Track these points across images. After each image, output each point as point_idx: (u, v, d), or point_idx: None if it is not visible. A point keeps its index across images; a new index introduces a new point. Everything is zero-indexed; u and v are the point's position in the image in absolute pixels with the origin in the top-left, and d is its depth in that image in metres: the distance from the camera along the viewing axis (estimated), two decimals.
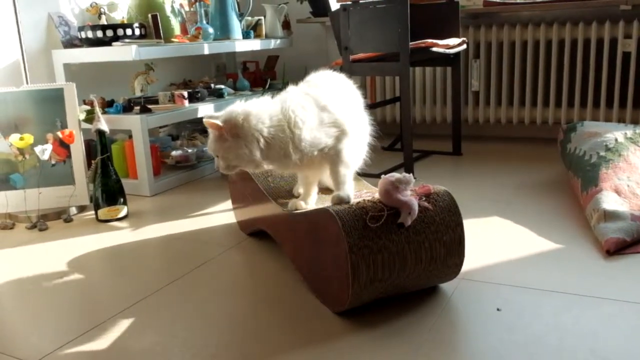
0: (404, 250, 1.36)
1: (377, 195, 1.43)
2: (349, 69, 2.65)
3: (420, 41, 2.62)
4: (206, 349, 1.30)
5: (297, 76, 3.59)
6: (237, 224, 2.11)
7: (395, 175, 1.40)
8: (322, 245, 1.43)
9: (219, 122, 1.48)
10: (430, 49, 2.59)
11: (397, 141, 3.28)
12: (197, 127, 3.31)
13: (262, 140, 1.49)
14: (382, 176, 1.42)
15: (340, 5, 2.65)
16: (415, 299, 1.48)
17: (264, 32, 3.51)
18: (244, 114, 1.50)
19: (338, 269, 1.35)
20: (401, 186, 1.38)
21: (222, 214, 2.29)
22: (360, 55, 2.70)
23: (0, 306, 1.59)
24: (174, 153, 2.93)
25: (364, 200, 1.42)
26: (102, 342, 1.35)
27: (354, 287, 1.31)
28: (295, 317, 1.42)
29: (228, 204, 2.42)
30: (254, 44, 3.32)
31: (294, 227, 1.59)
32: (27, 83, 2.53)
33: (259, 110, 1.53)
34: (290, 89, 1.64)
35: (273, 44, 3.49)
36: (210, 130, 1.52)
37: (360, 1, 2.60)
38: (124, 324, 1.43)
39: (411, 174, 1.41)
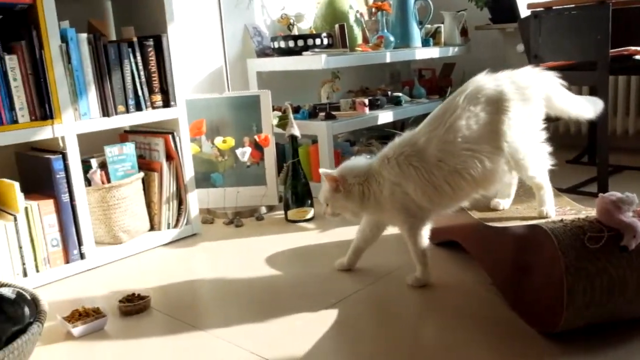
0: (625, 275, 1.27)
1: (585, 214, 1.36)
2: None
3: (622, 49, 2.44)
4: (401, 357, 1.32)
5: None
6: None
7: (616, 194, 1.32)
8: (532, 264, 1.38)
9: (336, 175, 1.67)
10: (634, 57, 2.41)
11: (584, 154, 3.08)
12: (374, 134, 3.37)
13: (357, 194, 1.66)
14: (600, 195, 1.35)
15: (531, 12, 2.55)
16: (632, 327, 1.38)
17: (442, 40, 3.49)
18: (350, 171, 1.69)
19: (550, 290, 1.30)
20: (624, 207, 1.30)
21: None
22: (550, 63, 2.58)
23: (211, 295, 1.75)
24: None
25: (578, 218, 1.36)
26: (301, 338, 1.43)
27: (568, 310, 1.26)
28: (491, 334, 1.39)
29: None
30: (432, 52, 3.31)
31: (496, 242, 1.56)
32: (228, 90, 2.74)
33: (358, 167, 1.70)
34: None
35: (451, 51, 3.46)
36: (326, 182, 1.69)
37: (554, 7, 2.49)
38: (315, 325, 1.50)
39: (634, 194, 1.32)
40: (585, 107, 1.71)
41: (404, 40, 3.24)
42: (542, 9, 2.50)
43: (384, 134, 3.48)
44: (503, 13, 3.45)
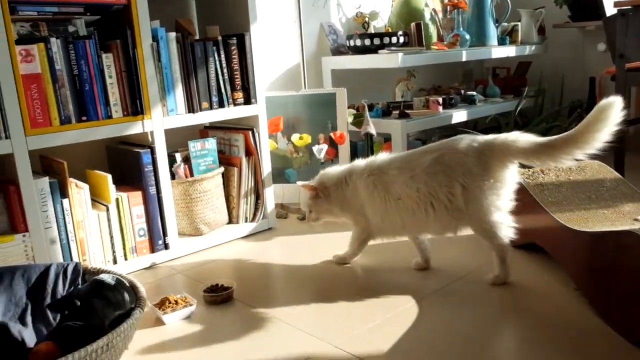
0: None
1: None
2: (623, 78, 2.47)
3: None
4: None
5: (552, 84, 3.47)
6: None
7: None
8: (622, 270, 1.35)
9: (314, 184, 1.90)
10: None
11: None
12: (446, 132, 3.34)
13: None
14: None
15: (618, 10, 2.47)
16: None
17: (519, 38, 3.42)
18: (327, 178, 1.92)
19: None
20: None
21: None
22: (637, 63, 2.49)
23: (289, 287, 1.79)
24: None
25: None
26: (384, 336, 1.44)
27: None
28: (577, 341, 1.37)
29: None
30: (509, 51, 3.25)
31: (583, 247, 1.52)
32: (304, 87, 2.79)
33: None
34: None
35: (528, 50, 3.39)
36: (306, 191, 1.91)
37: None
38: (394, 322, 1.52)
39: None
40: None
41: (479, 39, 3.20)
42: (630, 7, 2.42)
43: (455, 133, 3.45)
44: (584, 11, 3.35)
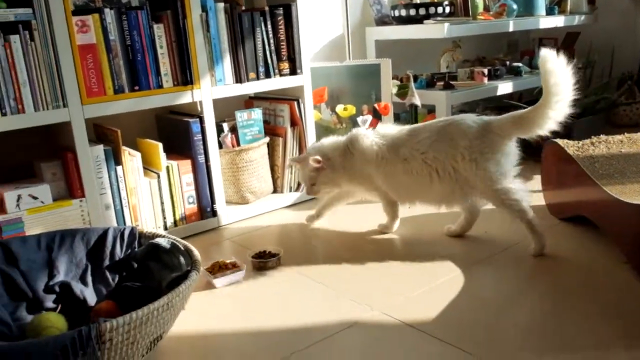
0: None
1: None
2: None
3: None
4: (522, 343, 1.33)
5: (602, 55, 3.38)
6: (547, 207, 2.07)
7: None
8: None
9: (318, 157, 1.89)
10: None
11: None
12: (490, 104, 3.30)
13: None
14: None
15: None
16: None
17: (568, 8, 3.33)
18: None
19: None
20: None
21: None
22: None
23: (336, 255, 1.82)
24: None
25: None
26: (431, 303, 1.47)
27: None
28: (626, 317, 1.37)
29: (528, 184, 2.38)
30: (557, 21, 3.18)
31: (634, 220, 1.51)
32: (349, 58, 2.79)
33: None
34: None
35: (577, 20, 3.30)
36: (307, 165, 1.91)
37: None
38: (440, 291, 1.54)
39: None
40: None
41: (527, 9, 3.12)
42: None
43: (500, 105, 3.40)
44: None
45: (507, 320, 1.37)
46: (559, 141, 1.96)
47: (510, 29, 2.93)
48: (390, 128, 1.91)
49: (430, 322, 1.39)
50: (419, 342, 1.31)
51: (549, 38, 3.60)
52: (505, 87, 2.89)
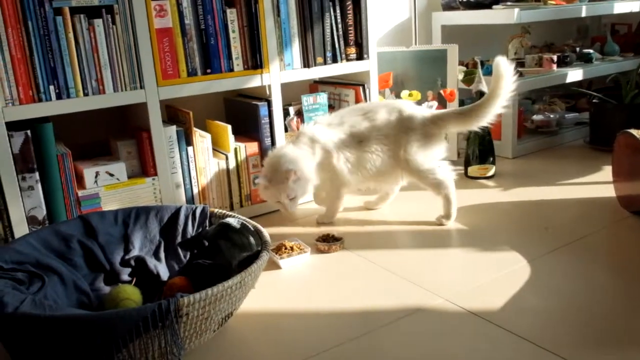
0: None
1: None
2: None
3: None
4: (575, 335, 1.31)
5: None
6: (617, 199, 2.02)
7: None
8: None
9: (291, 168, 1.81)
10: None
11: None
12: (557, 92, 3.22)
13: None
14: None
15: None
16: None
17: None
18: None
19: None
20: None
21: (593, 186, 2.22)
22: None
23: (397, 240, 1.84)
24: (535, 117, 2.92)
25: None
26: (496, 293, 1.46)
27: None
28: None
29: (599, 175, 2.34)
30: (633, 5, 3.05)
31: None
32: (415, 44, 2.77)
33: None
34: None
35: None
36: (281, 183, 1.83)
37: None
38: (507, 281, 1.53)
39: None
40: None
41: None
42: None
43: (567, 93, 3.31)
44: None
45: (574, 312, 1.36)
46: (633, 131, 1.90)
47: (583, 14, 2.84)
48: (327, 118, 1.98)
49: (496, 311, 1.39)
50: (484, 331, 1.31)
51: (622, 24, 3.47)
52: (574, 75, 2.81)
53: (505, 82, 1.86)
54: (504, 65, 1.86)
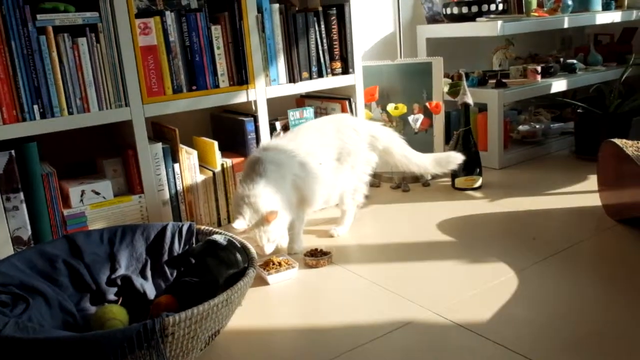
0: None
1: None
2: None
3: None
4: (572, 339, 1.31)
5: None
6: (603, 207, 2.04)
7: None
8: None
9: (273, 210, 1.69)
10: None
11: None
12: (542, 102, 3.25)
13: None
14: None
15: None
16: None
17: (625, 3, 3.24)
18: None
19: None
20: None
21: (579, 195, 2.24)
22: None
23: (387, 255, 1.84)
24: (521, 128, 2.94)
25: None
26: (484, 305, 1.47)
27: None
28: None
29: (585, 184, 2.35)
30: (614, 16, 3.09)
31: None
32: (400, 57, 2.78)
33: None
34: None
35: (635, 15, 3.20)
36: (263, 227, 1.70)
37: None
38: (493, 293, 1.53)
39: None
40: (428, 164, 2.10)
41: (582, 4, 3.06)
42: None
43: (553, 103, 3.34)
44: None
45: (562, 323, 1.36)
46: (617, 141, 1.92)
47: (566, 25, 2.87)
48: (278, 141, 1.90)
49: (484, 323, 1.39)
50: (472, 343, 1.31)
51: (604, 34, 3.51)
52: (559, 85, 2.84)
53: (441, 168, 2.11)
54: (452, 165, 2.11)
